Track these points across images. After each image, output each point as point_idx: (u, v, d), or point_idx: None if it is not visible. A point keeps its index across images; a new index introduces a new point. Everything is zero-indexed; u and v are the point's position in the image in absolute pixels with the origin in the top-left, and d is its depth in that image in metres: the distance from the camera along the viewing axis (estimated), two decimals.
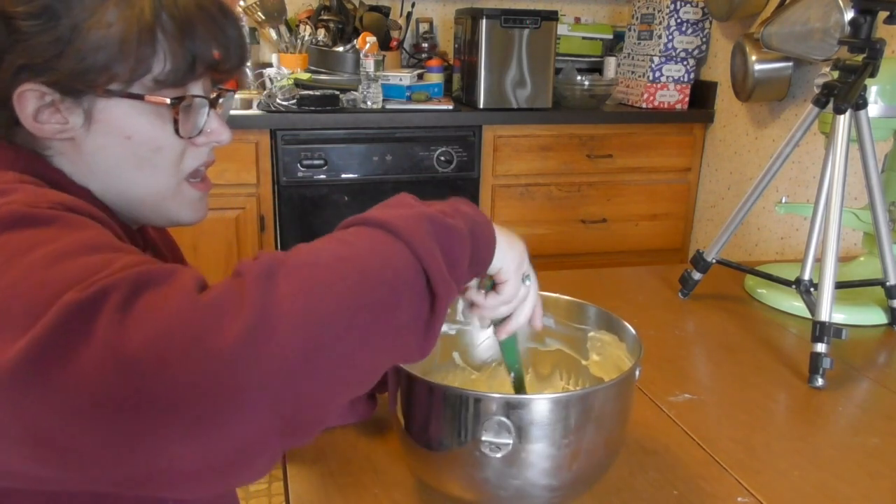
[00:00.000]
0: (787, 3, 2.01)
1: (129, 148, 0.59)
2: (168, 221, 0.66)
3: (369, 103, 2.28)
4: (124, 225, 0.64)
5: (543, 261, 2.55)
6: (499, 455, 0.60)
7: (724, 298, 1.26)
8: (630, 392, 0.67)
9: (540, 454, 0.61)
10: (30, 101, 0.55)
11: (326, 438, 0.80)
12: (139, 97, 0.58)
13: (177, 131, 0.60)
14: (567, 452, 0.62)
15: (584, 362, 0.81)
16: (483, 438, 0.59)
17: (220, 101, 0.66)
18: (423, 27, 2.73)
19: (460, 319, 0.80)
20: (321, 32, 2.52)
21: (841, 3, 1.74)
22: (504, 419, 0.59)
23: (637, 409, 0.87)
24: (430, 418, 0.63)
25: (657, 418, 0.87)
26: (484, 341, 0.84)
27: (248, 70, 2.64)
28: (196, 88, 0.62)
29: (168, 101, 0.58)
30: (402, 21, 2.68)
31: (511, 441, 0.59)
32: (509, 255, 0.57)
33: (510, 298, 0.61)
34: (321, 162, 2.23)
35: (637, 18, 2.67)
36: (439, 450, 0.63)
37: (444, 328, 0.81)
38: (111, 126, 0.58)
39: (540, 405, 0.60)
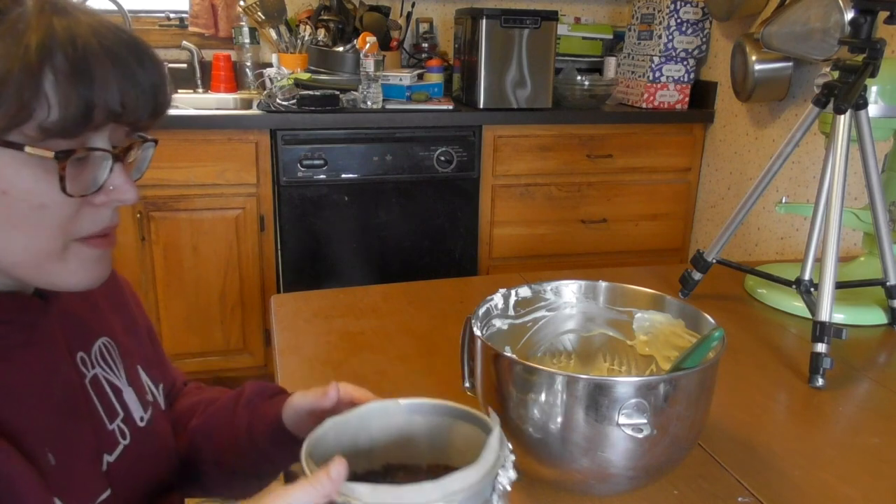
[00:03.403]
0: (787, 3, 2.01)
1: (5, 204, 0.51)
2: (51, 286, 0.57)
3: (369, 103, 2.28)
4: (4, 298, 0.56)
5: (543, 261, 2.55)
6: (640, 436, 0.62)
7: (724, 298, 1.26)
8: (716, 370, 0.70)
9: (674, 430, 0.65)
10: None
11: None
12: (18, 146, 0.49)
13: (63, 189, 0.51)
14: (685, 426, 0.66)
15: (629, 343, 0.83)
16: (622, 422, 0.62)
17: (133, 152, 0.58)
18: (423, 27, 2.73)
19: None
20: (321, 32, 2.52)
21: (841, 3, 1.74)
22: (642, 400, 0.61)
23: None
24: (553, 405, 0.64)
25: None
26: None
27: (248, 70, 2.65)
28: (98, 139, 0.53)
29: (52, 154, 0.50)
30: (402, 21, 2.68)
31: (647, 421, 0.62)
32: None
33: None
34: (321, 162, 2.23)
35: (637, 18, 2.67)
36: (560, 434, 0.65)
37: (498, 323, 0.83)
38: None
39: (674, 382, 0.63)
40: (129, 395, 0.68)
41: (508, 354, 0.67)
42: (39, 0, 0.50)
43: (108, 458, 0.63)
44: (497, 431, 0.52)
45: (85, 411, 0.62)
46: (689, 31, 2.55)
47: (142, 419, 0.68)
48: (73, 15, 0.50)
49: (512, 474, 0.51)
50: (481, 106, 2.38)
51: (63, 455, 0.58)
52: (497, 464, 0.51)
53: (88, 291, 0.61)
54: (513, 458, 0.52)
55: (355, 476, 0.56)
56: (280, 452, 0.69)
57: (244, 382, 0.78)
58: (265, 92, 2.37)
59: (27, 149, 0.49)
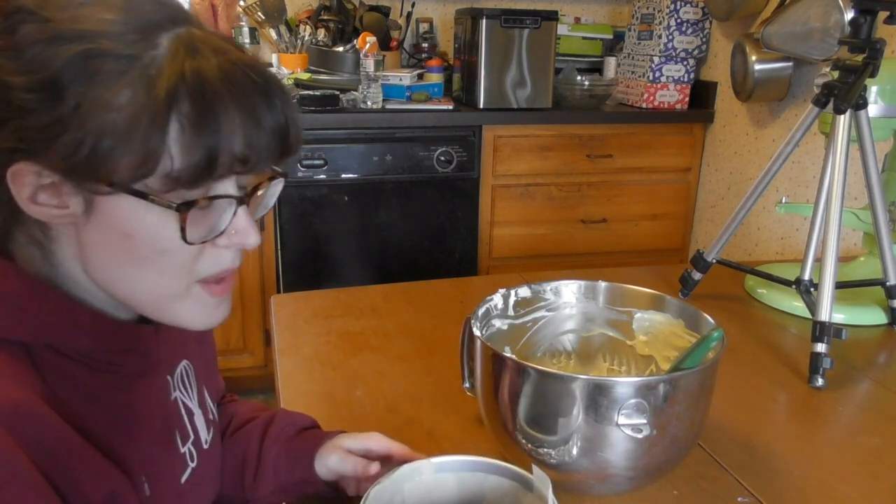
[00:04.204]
0: (787, 3, 2.01)
1: (129, 247, 0.51)
2: (172, 324, 0.57)
3: (369, 103, 2.28)
4: (114, 326, 0.56)
5: (543, 261, 2.55)
6: (640, 436, 0.63)
7: (724, 298, 1.26)
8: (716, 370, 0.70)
9: (674, 430, 0.65)
10: (25, 181, 0.48)
11: None
12: (142, 195, 0.48)
13: (184, 238, 0.50)
14: (685, 426, 0.66)
15: (629, 343, 0.83)
16: (621, 422, 0.62)
17: (261, 190, 0.57)
18: (423, 27, 2.73)
19: None
20: (321, 32, 2.52)
21: (841, 3, 1.74)
22: (642, 401, 0.62)
23: None
24: (553, 406, 0.65)
25: None
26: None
27: None
28: (222, 185, 0.52)
29: (174, 206, 0.49)
30: (402, 21, 2.68)
31: (647, 421, 0.62)
32: None
33: None
34: (321, 162, 2.23)
35: (637, 18, 2.67)
36: (560, 434, 0.65)
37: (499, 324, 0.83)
38: (111, 221, 0.50)
39: (674, 382, 0.63)
40: (199, 417, 0.67)
41: (508, 354, 0.67)
42: (175, 42, 0.48)
43: (181, 482, 0.62)
44: (551, 497, 0.53)
45: (168, 437, 0.62)
46: (689, 31, 2.55)
47: (206, 441, 0.68)
48: (204, 55, 0.48)
49: None
50: (481, 106, 2.38)
51: (155, 484, 0.57)
52: None
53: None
54: None
55: None
56: (301, 488, 0.73)
57: (274, 410, 0.79)
58: None
59: (151, 198, 0.48)
